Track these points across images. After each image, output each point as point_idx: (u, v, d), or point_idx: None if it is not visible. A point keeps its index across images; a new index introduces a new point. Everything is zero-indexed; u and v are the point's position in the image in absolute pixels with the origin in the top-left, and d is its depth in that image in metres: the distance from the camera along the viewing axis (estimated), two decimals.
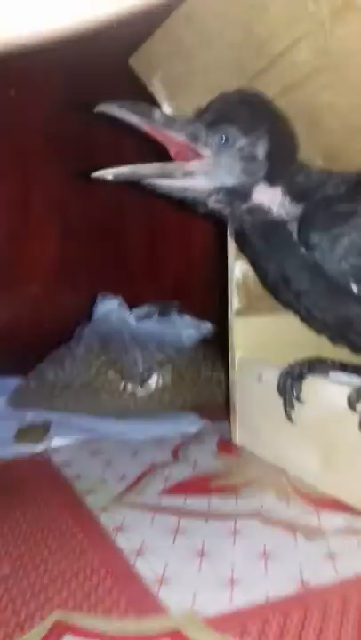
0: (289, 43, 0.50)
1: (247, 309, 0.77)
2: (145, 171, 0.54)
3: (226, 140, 0.54)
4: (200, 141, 0.55)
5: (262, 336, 0.77)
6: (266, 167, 0.56)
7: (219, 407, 0.93)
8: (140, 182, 0.55)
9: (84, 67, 1.03)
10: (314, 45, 0.49)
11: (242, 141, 0.55)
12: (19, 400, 0.96)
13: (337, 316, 0.60)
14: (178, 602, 0.46)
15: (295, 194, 0.58)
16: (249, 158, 0.55)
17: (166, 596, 0.47)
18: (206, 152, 0.55)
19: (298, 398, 0.66)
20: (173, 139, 0.54)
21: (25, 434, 0.82)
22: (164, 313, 0.99)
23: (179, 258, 1.21)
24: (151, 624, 0.44)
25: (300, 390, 0.66)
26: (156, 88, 0.65)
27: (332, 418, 0.62)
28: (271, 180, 0.57)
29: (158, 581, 0.49)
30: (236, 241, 0.63)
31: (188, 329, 0.96)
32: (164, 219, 1.16)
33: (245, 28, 0.52)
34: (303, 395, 0.66)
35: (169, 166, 0.55)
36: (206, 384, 0.96)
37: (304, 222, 0.56)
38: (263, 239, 0.60)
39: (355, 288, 0.55)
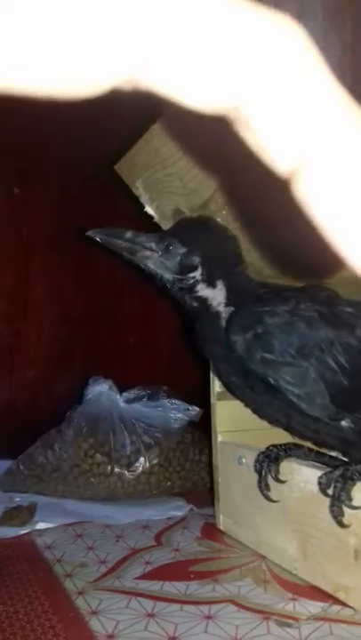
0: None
1: (228, 394, 0.79)
2: (119, 245, 0.67)
3: (169, 246, 0.67)
4: (153, 249, 0.67)
5: (243, 420, 0.79)
6: (202, 272, 0.66)
7: (205, 492, 0.94)
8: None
9: (78, 167, 1.13)
10: None
11: (180, 250, 0.66)
12: (8, 483, 0.97)
13: (278, 411, 0.64)
14: None
15: (231, 297, 0.67)
16: (185, 263, 0.66)
17: None
18: (158, 252, 0.68)
19: (277, 479, 0.68)
20: (134, 249, 0.67)
21: (11, 516, 0.83)
22: (153, 396, 1.01)
23: (170, 343, 1.24)
24: None
25: (277, 472, 0.68)
26: (140, 191, 0.72)
27: (308, 501, 0.63)
28: (209, 281, 0.67)
29: None
30: (195, 328, 0.70)
31: (176, 412, 0.98)
32: (157, 306, 1.21)
33: (212, 143, 0.58)
34: (281, 477, 0.67)
35: (134, 248, 0.67)
36: (194, 468, 0.97)
37: (227, 322, 0.65)
38: (202, 327, 0.68)
39: (273, 382, 0.60)
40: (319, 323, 0.60)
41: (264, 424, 0.77)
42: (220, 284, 0.67)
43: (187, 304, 0.69)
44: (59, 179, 1.20)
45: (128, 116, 1.01)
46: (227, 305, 0.67)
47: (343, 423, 0.62)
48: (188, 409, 0.99)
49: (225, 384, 0.73)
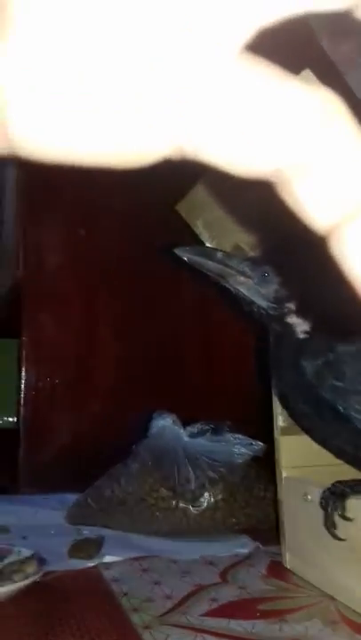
0: None
1: (293, 428, 0.79)
2: (209, 266, 0.66)
3: (265, 274, 0.66)
4: (248, 274, 0.67)
5: (308, 455, 0.78)
6: (295, 303, 0.66)
7: (271, 528, 0.92)
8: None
9: (141, 208, 1.17)
10: None
11: (276, 279, 0.66)
12: (76, 515, 0.99)
13: (345, 441, 0.63)
14: None
15: (315, 328, 0.67)
16: (280, 292, 0.66)
17: None
18: (253, 279, 0.67)
19: (343, 517, 0.66)
20: (228, 272, 0.66)
21: (78, 549, 0.84)
22: (216, 430, 1.02)
23: (232, 378, 1.25)
24: None
25: (343, 509, 0.66)
26: (200, 230, 0.74)
27: None
28: (301, 313, 0.66)
29: None
30: (271, 353, 0.70)
31: (239, 447, 0.98)
32: (219, 343, 1.22)
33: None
34: (348, 514, 0.66)
35: (226, 271, 0.66)
36: (259, 504, 0.96)
37: (300, 348, 0.65)
38: (280, 354, 0.68)
39: (342, 410, 0.60)
40: None
41: (330, 459, 0.76)
42: (310, 316, 0.67)
43: (271, 329, 0.68)
44: (123, 219, 1.24)
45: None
46: (309, 333, 0.67)
47: None
48: (252, 444, 0.99)
49: (292, 412, 0.72)
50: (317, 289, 0.67)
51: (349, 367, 0.60)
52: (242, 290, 0.66)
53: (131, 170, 0.17)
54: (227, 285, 0.67)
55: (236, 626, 0.63)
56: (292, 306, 0.66)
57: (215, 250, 0.66)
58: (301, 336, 0.66)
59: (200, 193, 0.71)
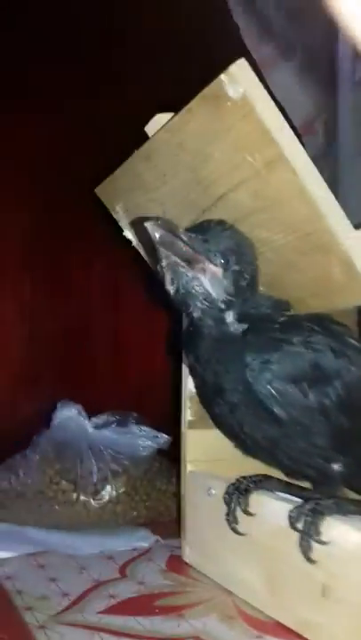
0: (230, 186, 0.57)
1: (200, 422, 0.78)
2: (180, 251, 0.59)
3: (227, 262, 0.61)
4: (217, 263, 0.61)
5: (213, 449, 0.78)
6: (248, 292, 0.63)
7: (172, 522, 0.92)
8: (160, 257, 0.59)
9: (55, 183, 1.13)
10: (252, 190, 0.55)
11: (235, 267, 0.62)
12: None
13: (265, 436, 0.63)
14: None
15: (242, 312, 0.64)
16: (241, 283, 0.63)
17: None
18: (214, 267, 0.61)
19: (246, 512, 0.67)
20: (192, 254, 0.59)
21: None
22: (122, 422, 1.00)
23: (141, 369, 1.24)
24: None
25: (246, 504, 0.67)
26: (119, 215, 0.72)
27: (276, 535, 0.62)
28: (245, 306, 0.63)
29: None
30: (189, 347, 0.67)
31: (144, 440, 0.97)
32: (129, 331, 1.20)
33: (194, 171, 0.59)
34: (251, 510, 0.66)
35: (196, 257, 0.60)
36: (160, 497, 0.95)
37: (243, 341, 0.61)
38: (210, 347, 0.64)
39: (277, 411, 0.59)
40: (329, 358, 0.60)
41: (235, 453, 0.76)
42: (239, 301, 0.63)
43: (201, 325, 0.64)
44: (32, 196, 1.19)
45: (110, 140, 1.02)
46: (239, 321, 0.64)
47: (334, 466, 0.62)
48: (157, 436, 0.98)
49: (211, 402, 0.68)
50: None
51: (288, 369, 0.59)
52: (205, 281, 0.61)
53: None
54: (170, 274, 0.60)
55: (135, 623, 0.62)
56: (240, 300, 0.63)
57: (183, 232, 0.59)
58: (236, 327, 0.63)
59: (123, 176, 0.68)
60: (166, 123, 0.58)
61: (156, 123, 0.60)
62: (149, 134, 0.62)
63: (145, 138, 0.63)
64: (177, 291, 0.61)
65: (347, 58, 1.24)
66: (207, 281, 0.61)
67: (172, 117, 0.57)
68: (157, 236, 0.56)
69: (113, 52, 1.19)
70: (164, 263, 0.59)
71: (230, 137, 0.53)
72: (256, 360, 0.59)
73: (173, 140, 0.58)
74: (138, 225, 0.61)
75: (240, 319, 0.64)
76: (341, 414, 0.60)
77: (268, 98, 0.50)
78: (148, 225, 0.56)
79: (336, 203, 0.52)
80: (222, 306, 0.63)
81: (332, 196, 0.52)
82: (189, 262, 0.59)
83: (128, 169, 0.67)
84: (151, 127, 0.61)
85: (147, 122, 0.63)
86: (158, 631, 0.60)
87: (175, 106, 0.57)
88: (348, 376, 0.60)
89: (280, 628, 0.60)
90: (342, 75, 1.26)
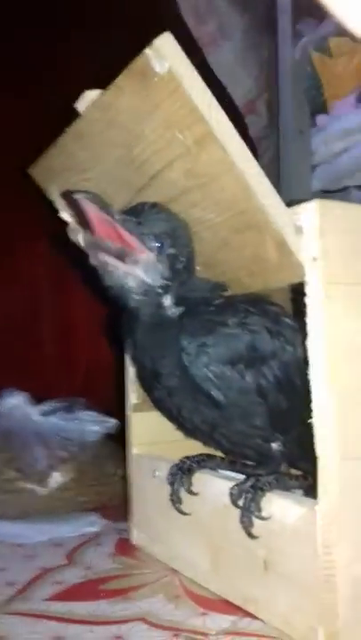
0: (163, 165, 0.56)
1: (144, 405, 0.78)
2: (107, 246, 0.58)
3: (161, 245, 0.61)
4: (144, 243, 0.60)
5: (158, 432, 0.78)
6: (183, 274, 0.62)
7: (121, 505, 0.92)
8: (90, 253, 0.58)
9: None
10: (184, 168, 0.54)
11: (170, 250, 0.61)
12: None
13: (203, 419, 0.63)
14: None
15: (178, 296, 0.63)
16: (176, 267, 0.62)
17: None
18: (147, 252, 0.60)
19: (189, 491, 0.67)
20: (124, 235, 0.58)
21: None
22: (69, 408, 0.99)
23: (88, 353, 1.22)
24: None
25: (189, 484, 0.67)
26: (54, 196, 0.70)
27: (220, 513, 0.62)
28: (180, 288, 0.63)
29: None
30: (127, 333, 0.67)
31: (92, 425, 0.96)
32: (75, 317, 1.18)
33: (126, 149, 0.58)
34: (194, 489, 0.67)
35: (125, 250, 0.59)
36: (109, 482, 0.95)
37: (179, 325, 0.61)
38: (147, 332, 0.64)
39: (215, 394, 0.59)
40: (265, 339, 0.60)
41: (179, 435, 0.76)
42: (176, 284, 0.62)
43: (138, 311, 0.63)
44: None
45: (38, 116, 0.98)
46: (176, 305, 0.63)
47: (273, 445, 0.63)
48: (105, 421, 0.97)
49: (150, 387, 0.68)
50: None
51: (224, 351, 0.58)
52: (137, 272, 0.60)
53: None
54: (114, 274, 0.59)
55: (80, 608, 0.62)
56: (177, 283, 0.62)
57: (118, 212, 0.58)
58: (173, 311, 0.63)
59: (56, 155, 0.66)
60: (96, 100, 0.57)
61: (87, 99, 0.58)
62: (80, 111, 0.60)
63: (77, 115, 0.62)
64: (111, 287, 0.61)
65: (287, 37, 1.25)
66: (141, 271, 0.60)
67: (102, 94, 0.56)
68: (87, 209, 0.55)
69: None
70: (94, 262, 0.58)
71: (160, 114, 0.52)
72: (192, 343, 0.59)
73: (104, 118, 0.57)
74: (69, 199, 0.59)
75: (177, 302, 0.63)
76: (279, 394, 0.60)
77: (195, 73, 0.49)
78: (77, 197, 0.54)
79: (267, 180, 0.52)
80: (159, 291, 0.62)
81: (262, 174, 0.52)
82: (120, 256, 0.58)
83: (61, 148, 0.65)
84: (82, 104, 0.59)
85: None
86: (103, 615, 0.60)
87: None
88: (285, 356, 0.60)
89: (225, 604, 0.61)
90: (283, 54, 1.27)
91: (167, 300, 0.63)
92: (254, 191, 0.51)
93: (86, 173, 0.65)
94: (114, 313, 0.71)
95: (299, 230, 0.52)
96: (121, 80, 0.52)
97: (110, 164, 0.62)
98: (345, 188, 1.23)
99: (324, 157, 1.27)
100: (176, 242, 0.62)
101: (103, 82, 0.58)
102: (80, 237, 0.58)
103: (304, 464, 0.64)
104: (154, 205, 0.62)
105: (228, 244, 0.59)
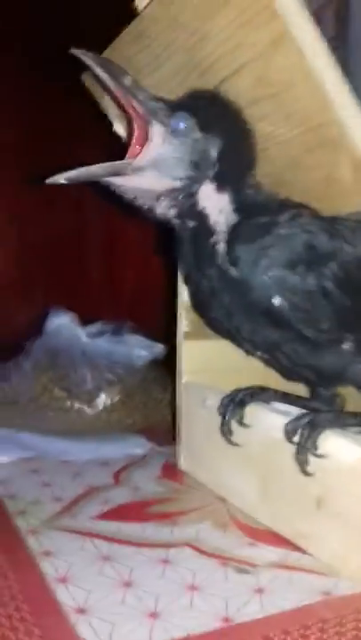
0: (230, 70, 0.50)
1: (195, 333, 0.76)
2: (96, 171, 0.54)
3: (182, 126, 0.54)
4: (157, 119, 0.54)
5: (209, 361, 0.76)
6: (216, 168, 0.56)
7: (168, 430, 0.92)
8: (97, 182, 0.55)
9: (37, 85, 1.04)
10: (254, 74, 0.49)
11: (197, 134, 0.54)
12: None
13: (264, 338, 0.60)
14: (93, 635, 0.44)
15: (240, 206, 0.58)
16: (201, 153, 0.55)
17: (83, 628, 0.45)
18: (157, 137, 0.54)
19: (241, 423, 0.65)
20: (134, 107, 0.53)
21: None
22: (116, 332, 0.97)
23: (135, 278, 1.20)
24: None
25: (241, 416, 0.65)
26: (107, 104, 0.65)
27: (271, 447, 0.61)
28: (220, 183, 0.56)
29: (77, 612, 0.47)
30: (177, 251, 0.63)
31: (139, 349, 0.95)
32: (123, 239, 1.15)
33: (190, 54, 0.52)
34: (246, 421, 0.65)
35: (118, 164, 0.54)
36: (156, 406, 0.94)
37: (230, 236, 0.57)
38: (195, 248, 0.60)
39: (277, 302, 0.55)
40: (323, 238, 0.55)
41: (231, 365, 0.74)
42: (228, 189, 0.56)
43: (181, 225, 0.59)
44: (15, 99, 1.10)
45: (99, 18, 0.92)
46: (234, 213, 0.57)
47: (344, 346, 0.59)
48: (152, 346, 0.96)
49: (205, 307, 0.64)
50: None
51: (282, 254, 0.53)
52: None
53: None
54: (126, 194, 0.55)
55: (127, 529, 0.62)
56: (210, 172, 0.56)
57: (124, 72, 0.52)
58: (222, 221, 0.57)
59: (111, 59, 0.60)
60: None
61: None
62: (139, 9, 0.54)
63: (133, 15, 0.56)
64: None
65: None
66: (151, 174, 0.54)
67: None
68: (102, 78, 0.50)
69: None
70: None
71: (230, 10, 0.46)
72: (249, 250, 0.54)
73: (167, 15, 0.51)
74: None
75: (235, 211, 0.58)
76: (343, 294, 0.56)
77: None
78: (80, 55, 0.50)
79: (348, 90, 0.46)
80: (192, 187, 0.56)
81: (344, 84, 0.46)
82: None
83: (116, 51, 0.59)
84: (141, 1, 0.53)
85: None
86: (150, 538, 0.60)
87: None
88: (345, 256, 0.55)
89: (273, 536, 0.61)
90: None
91: (215, 208, 0.58)
92: (332, 102, 0.45)
93: (144, 80, 0.60)
94: (164, 233, 0.67)
95: None
96: None
97: (171, 70, 0.56)
98: None
99: None
100: (210, 125, 0.54)
101: None
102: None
103: None
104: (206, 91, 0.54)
105: (298, 164, 0.54)
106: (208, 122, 0.54)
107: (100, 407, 0.91)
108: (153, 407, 0.94)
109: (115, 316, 1.02)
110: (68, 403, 0.90)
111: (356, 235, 0.56)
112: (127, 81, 0.52)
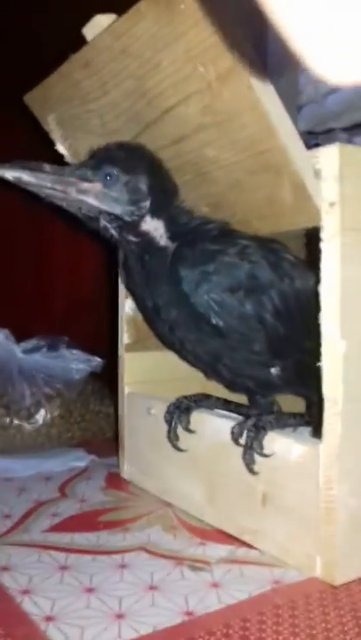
0: (178, 99, 0.54)
1: (137, 345, 0.78)
2: (44, 180, 0.58)
3: (110, 177, 0.60)
4: (88, 180, 0.60)
5: (151, 371, 0.79)
6: (150, 200, 0.62)
7: (107, 442, 0.94)
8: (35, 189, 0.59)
9: None
10: (201, 103, 0.53)
11: (124, 177, 0.61)
12: None
13: (207, 351, 0.64)
14: (66, 639, 0.46)
15: (173, 231, 0.63)
16: (134, 190, 0.61)
17: (54, 633, 0.46)
18: (93, 193, 0.60)
19: (187, 429, 0.69)
20: (65, 181, 0.59)
21: None
22: (52, 346, 0.98)
23: (68, 292, 1.20)
24: None
25: (187, 422, 0.69)
26: (51, 127, 0.67)
27: (218, 451, 0.65)
28: (155, 213, 0.63)
29: (46, 620, 0.48)
30: (122, 268, 0.67)
31: (77, 363, 0.96)
32: (54, 251, 1.16)
33: (139, 81, 0.55)
34: (191, 427, 0.68)
35: (65, 180, 0.59)
36: (94, 418, 0.96)
37: (175, 257, 0.62)
38: (142, 266, 0.64)
39: (215, 321, 0.60)
40: (265, 269, 0.61)
41: (171, 375, 0.78)
42: (162, 216, 0.63)
43: (124, 243, 0.64)
44: None
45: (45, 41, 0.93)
46: (170, 239, 0.63)
47: (273, 370, 0.65)
48: (90, 360, 0.97)
49: (152, 321, 0.69)
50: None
51: (225, 279, 0.59)
52: (88, 199, 0.60)
53: None
54: (64, 203, 0.60)
55: (81, 539, 0.63)
56: (147, 204, 0.62)
57: (42, 164, 0.58)
58: (167, 244, 0.63)
59: (55, 85, 0.63)
60: (110, 25, 0.53)
61: (96, 25, 0.55)
62: (88, 38, 0.57)
63: (83, 42, 0.58)
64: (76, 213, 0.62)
65: None
66: (92, 199, 0.60)
67: (117, 19, 0.53)
68: (11, 178, 0.56)
69: None
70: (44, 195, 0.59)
71: (181, 44, 0.50)
72: (193, 272, 0.60)
73: (117, 46, 0.54)
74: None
75: (171, 237, 0.64)
76: (277, 322, 0.62)
77: (225, 1, 0.46)
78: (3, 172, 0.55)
79: (290, 120, 0.51)
80: (134, 218, 0.62)
81: (286, 114, 0.50)
82: (59, 191, 0.59)
83: (64, 76, 0.61)
84: (90, 30, 0.56)
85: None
86: (105, 545, 0.62)
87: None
88: (283, 287, 0.61)
89: (220, 534, 0.64)
90: None
91: (156, 231, 0.63)
92: (277, 131, 0.50)
93: (90, 104, 0.62)
94: (108, 251, 0.70)
95: (318, 174, 0.52)
96: (143, 5, 0.49)
97: (119, 96, 0.59)
98: (330, 131, 1.22)
99: (310, 98, 1.24)
100: (130, 169, 0.61)
101: (111, 8, 0.55)
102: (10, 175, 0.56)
103: (302, 389, 0.67)
104: (106, 145, 0.62)
105: (241, 186, 0.58)
106: (129, 165, 0.61)
107: (40, 422, 0.91)
108: (90, 420, 0.96)
109: (49, 331, 1.02)
110: (7, 420, 0.90)
111: (296, 269, 0.62)
112: (47, 168, 0.58)
